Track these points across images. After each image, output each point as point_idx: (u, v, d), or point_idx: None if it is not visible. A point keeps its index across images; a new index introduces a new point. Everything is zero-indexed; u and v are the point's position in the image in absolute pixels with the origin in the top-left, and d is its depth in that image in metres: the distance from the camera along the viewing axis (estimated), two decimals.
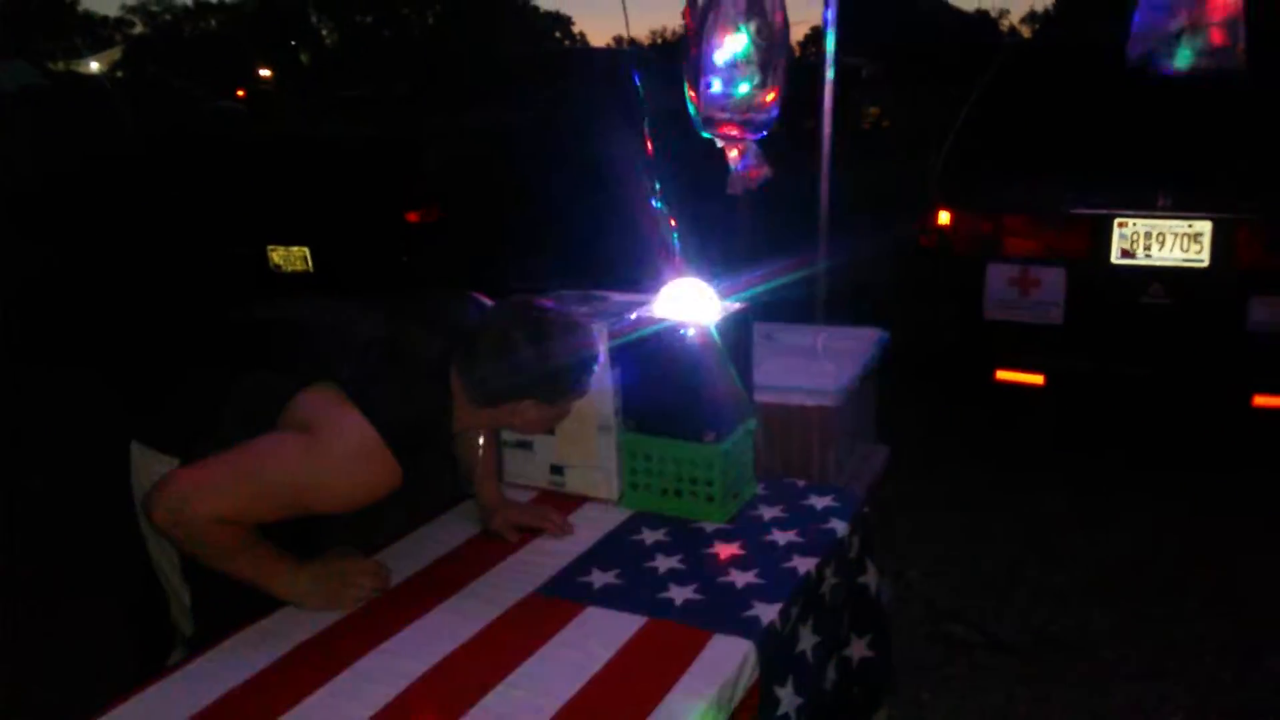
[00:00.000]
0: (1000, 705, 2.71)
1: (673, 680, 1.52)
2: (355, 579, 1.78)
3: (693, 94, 2.56)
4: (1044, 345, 4.16)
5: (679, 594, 1.78)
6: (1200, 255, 3.84)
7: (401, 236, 5.37)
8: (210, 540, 1.62)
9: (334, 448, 1.62)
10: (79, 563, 3.23)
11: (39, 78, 10.74)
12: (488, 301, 1.91)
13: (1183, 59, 2.66)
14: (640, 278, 2.51)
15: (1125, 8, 3.08)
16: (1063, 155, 4.20)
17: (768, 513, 2.11)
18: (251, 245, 5.65)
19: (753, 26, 2.43)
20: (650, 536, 2.02)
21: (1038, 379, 4.19)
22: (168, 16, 46.60)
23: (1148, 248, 3.92)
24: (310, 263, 5.58)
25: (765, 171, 2.68)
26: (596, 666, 1.57)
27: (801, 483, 2.26)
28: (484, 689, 1.51)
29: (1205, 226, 3.81)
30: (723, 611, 1.72)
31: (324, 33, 44.95)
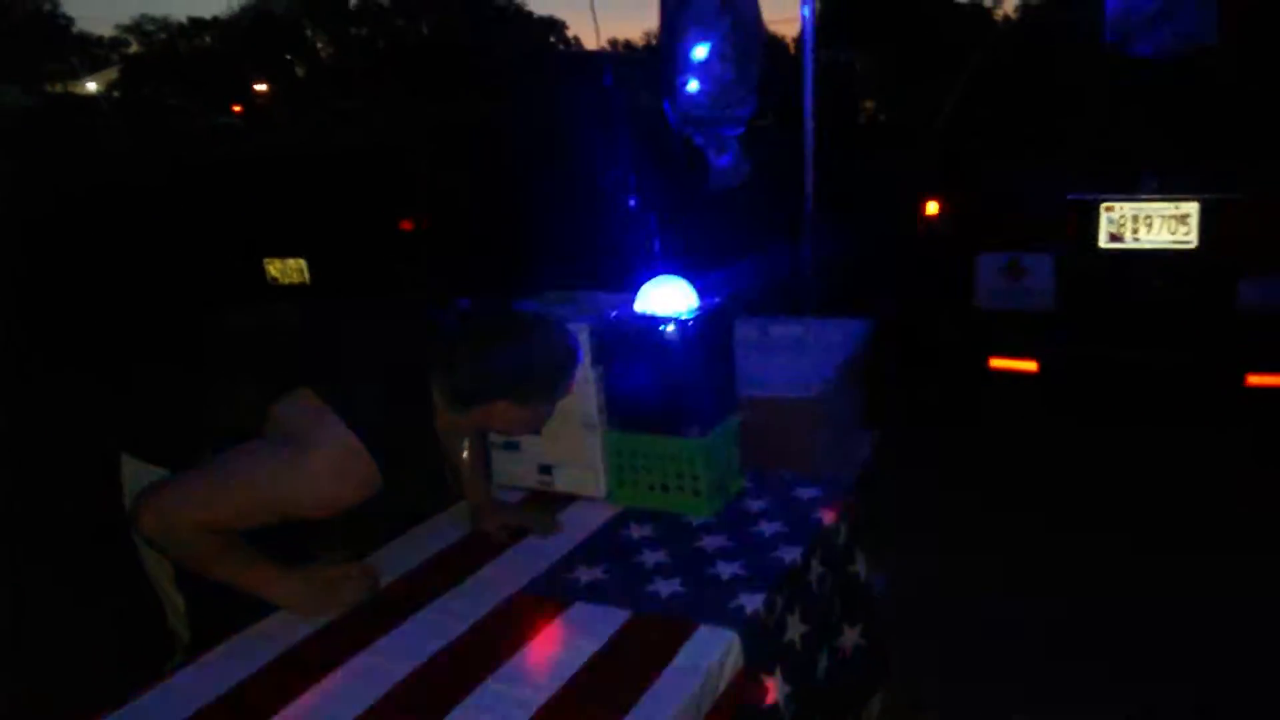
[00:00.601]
0: (1001, 694, 2.72)
1: (657, 671, 1.54)
2: (346, 583, 1.80)
3: (670, 93, 2.58)
4: (1036, 332, 4.17)
5: (665, 587, 1.80)
6: (1188, 237, 3.85)
7: (396, 246, 5.40)
8: (196, 547, 1.64)
9: (315, 454, 1.64)
10: (75, 571, 3.25)
11: (23, 98, 10.80)
12: (466, 306, 1.93)
13: (1158, 40, 2.67)
14: (623, 276, 2.53)
15: None
16: (1049, 142, 4.21)
17: (754, 505, 2.13)
18: (248, 259, 5.68)
19: (726, 24, 2.45)
20: (638, 532, 2.04)
21: (1031, 366, 4.19)
22: (163, 35, 46.75)
23: (1136, 231, 3.93)
24: (307, 274, 5.60)
25: (744, 168, 2.70)
26: (582, 660, 1.59)
27: (788, 475, 2.28)
28: (470, 686, 1.53)
29: (1193, 208, 3.82)
30: (708, 603, 1.73)
31: (319, 45, 45.10)
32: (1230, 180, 3.81)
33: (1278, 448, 4.14)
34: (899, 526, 3.53)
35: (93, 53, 45.44)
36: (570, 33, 49.60)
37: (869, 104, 16.73)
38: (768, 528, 2.02)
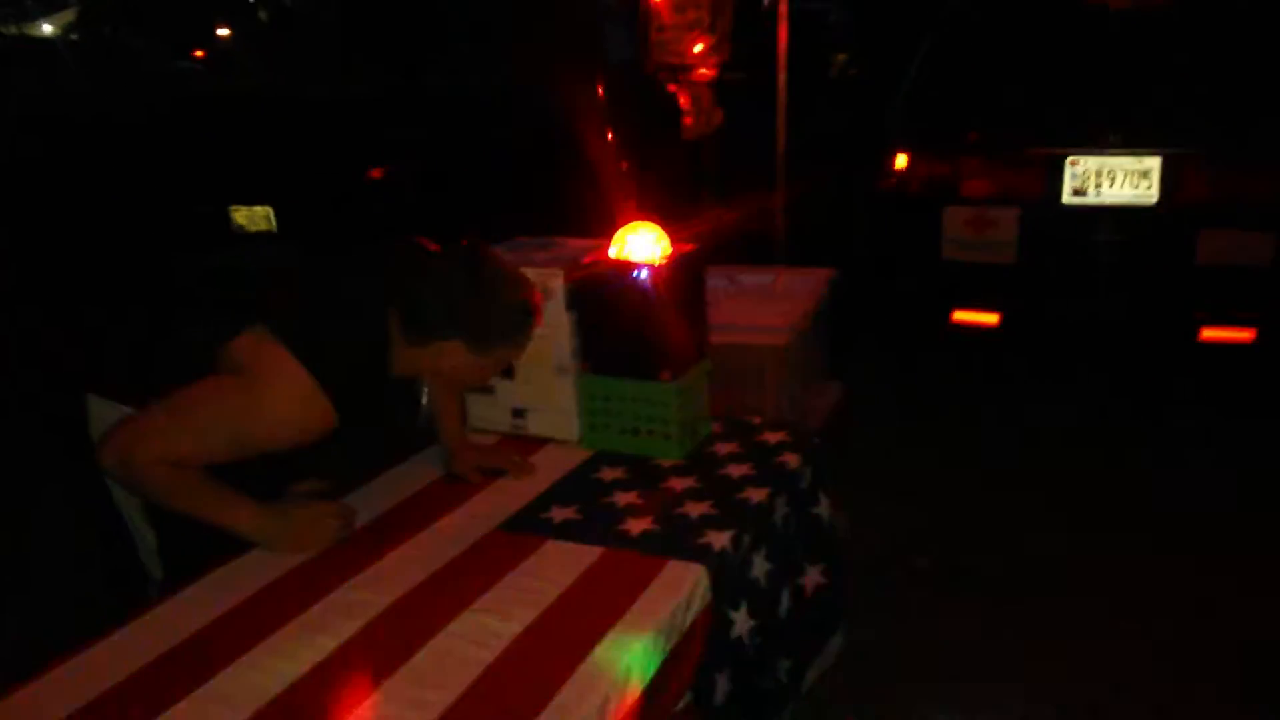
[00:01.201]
0: (958, 632, 2.82)
1: (628, 603, 1.60)
2: (322, 521, 1.84)
3: (645, 41, 2.59)
4: (999, 285, 4.25)
5: (636, 526, 1.86)
6: (1150, 192, 3.93)
7: (365, 194, 5.36)
8: (160, 484, 1.69)
9: (267, 391, 1.68)
10: (47, 510, 3.26)
11: None
12: (434, 247, 1.95)
13: None
14: (596, 223, 2.55)
15: None
16: (1016, 97, 4.26)
17: (723, 448, 2.19)
18: (213, 205, 5.61)
19: None
20: (610, 474, 2.09)
21: (993, 319, 4.28)
22: None
23: (1099, 186, 4.00)
24: (274, 222, 5.55)
25: (718, 118, 2.72)
26: (556, 593, 1.65)
27: (756, 420, 2.33)
28: (449, 617, 1.58)
29: (1154, 163, 3.89)
30: (677, 540, 1.79)
31: None
32: (1191, 136, 3.88)
33: (1228, 398, 4.27)
34: (850, 478, 3.63)
35: None
36: None
37: (841, 57, 16.61)
38: (735, 470, 2.08)
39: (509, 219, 2.44)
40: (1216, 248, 3.86)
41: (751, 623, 1.86)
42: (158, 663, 1.50)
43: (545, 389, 2.21)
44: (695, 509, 1.91)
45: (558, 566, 1.72)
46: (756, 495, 1.97)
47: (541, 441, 2.26)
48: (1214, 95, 3.91)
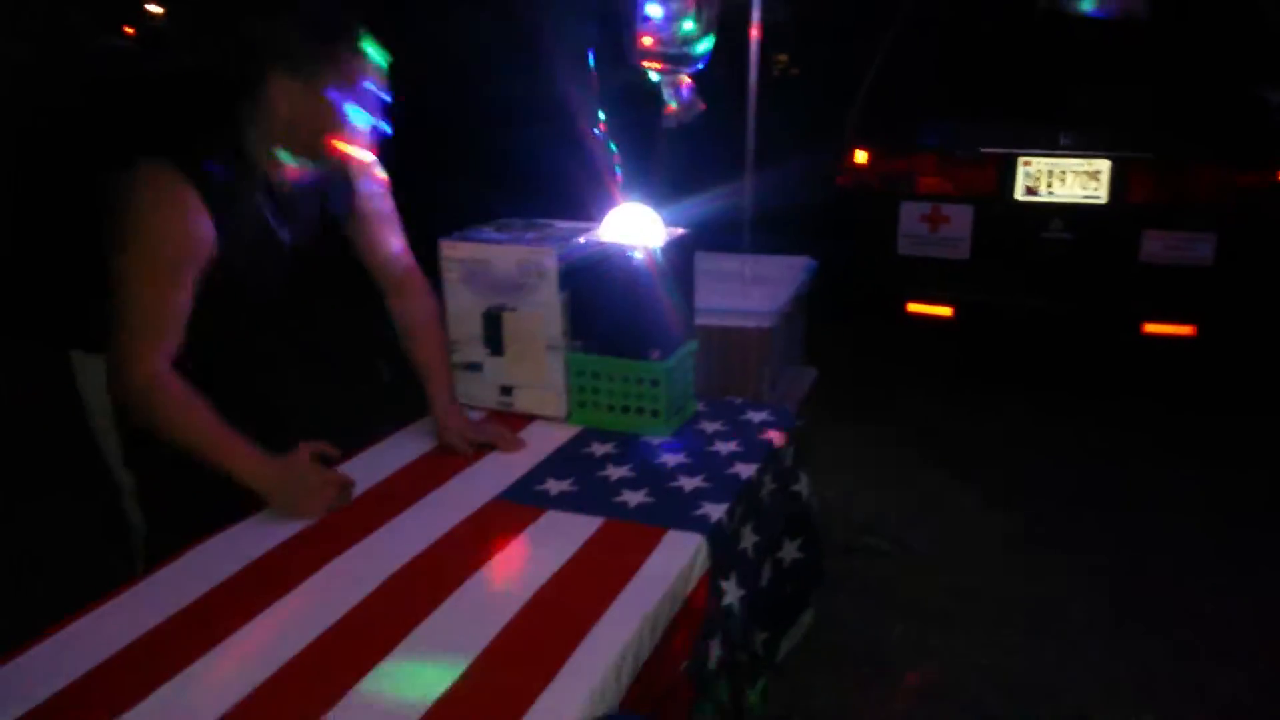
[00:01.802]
0: (909, 607, 2.93)
1: (633, 570, 1.64)
2: (323, 487, 1.84)
3: (634, 30, 2.63)
4: (952, 279, 4.38)
5: (632, 498, 1.90)
6: (1098, 192, 4.09)
7: None
8: (171, 417, 1.71)
9: (138, 196, 1.71)
10: (41, 464, 3.19)
11: None
12: None
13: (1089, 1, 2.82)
14: (586, 205, 2.59)
15: None
16: (972, 97, 4.40)
17: (709, 426, 2.24)
18: None
19: None
20: (600, 449, 2.13)
21: (946, 311, 4.42)
22: None
23: (1050, 185, 4.15)
24: None
25: (698, 106, 2.77)
26: (561, 561, 1.67)
27: (739, 400, 2.39)
28: (454, 585, 1.59)
29: (1104, 165, 4.05)
30: (674, 511, 1.84)
31: None
32: (1140, 140, 4.05)
33: (1168, 388, 4.47)
34: (823, 457, 3.73)
35: None
36: None
37: (782, 58, 16.80)
38: (723, 447, 2.13)
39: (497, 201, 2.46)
40: (1160, 247, 4.03)
41: (740, 592, 1.91)
42: (147, 637, 1.46)
43: (535, 366, 2.24)
44: (688, 483, 1.96)
45: (561, 535, 1.76)
46: (746, 470, 2.02)
47: (529, 418, 2.29)
48: (1162, 101, 4.09)
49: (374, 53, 1.81)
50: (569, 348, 2.22)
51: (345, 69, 1.78)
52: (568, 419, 2.27)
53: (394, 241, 2.13)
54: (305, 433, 1.89)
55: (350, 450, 2.10)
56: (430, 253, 2.23)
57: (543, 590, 1.60)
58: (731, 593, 1.90)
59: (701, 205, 2.88)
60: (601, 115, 2.99)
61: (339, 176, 1.99)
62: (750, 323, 2.58)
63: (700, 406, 2.34)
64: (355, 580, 1.61)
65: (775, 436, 2.20)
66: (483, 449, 2.12)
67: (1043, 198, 4.16)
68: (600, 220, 2.26)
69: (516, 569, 1.67)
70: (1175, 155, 4.02)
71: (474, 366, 2.31)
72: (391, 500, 1.90)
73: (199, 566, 1.66)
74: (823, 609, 2.51)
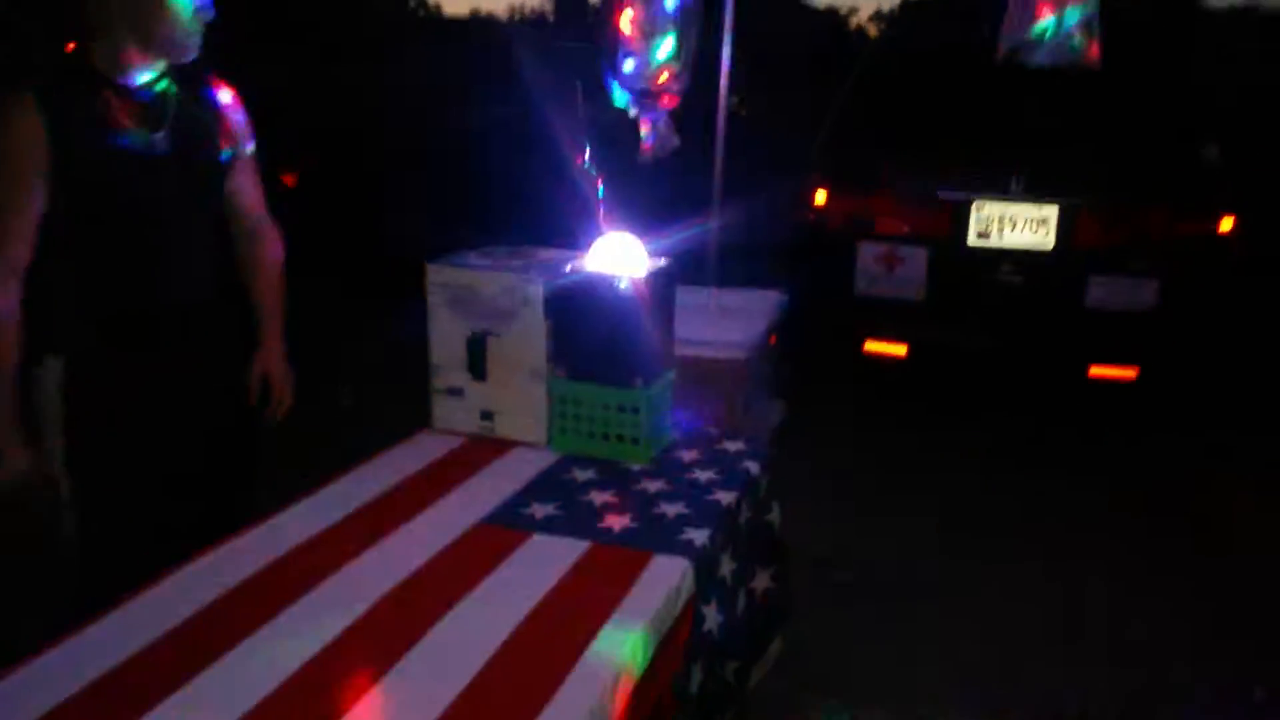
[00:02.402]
0: (871, 633, 2.99)
1: (621, 594, 1.67)
2: (13, 461, 1.92)
3: (610, 64, 2.70)
4: (907, 319, 4.50)
5: (616, 522, 1.93)
6: (1047, 238, 4.24)
7: (276, 200, 5.25)
8: None
9: None
10: None
11: None
12: None
13: (1045, 54, 2.96)
14: (566, 236, 2.63)
15: (980, 7, 3.36)
16: (929, 144, 4.54)
17: (686, 455, 2.28)
18: None
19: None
20: (581, 475, 2.15)
21: (900, 350, 4.53)
22: None
23: (1001, 230, 4.29)
24: None
25: (674, 141, 2.84)
26: (549, 585, 1.69)
27: (714, 429, 2.44)
28: (441, 611, 1.59)
29: (1052, 211, 4.21)
30: (659, 536, 1.87)
31: None
32: (1086, 188, 4.22)
33: (1111, 430, 4.63)
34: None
35: None
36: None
37: (734, 99, 17.16)
38: (702, 475, 2.17)
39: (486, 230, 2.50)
40: (1105, 292, 4.19)
41: (719, 618, 1.95)
42: (128, 664, 1.42)
43: (517, 392, 2.26)
44: (670, 509, 1.99)
45: (547, 559, 1.78)
46: (725, 498, 2.06)
47: (509, 444, 2.30)
48: (1109, 151, 4.27)
49: None
50: (551, 374, 2.24)
51: None
52: (549, 445, 2.29)
53: (255, 188, 2.31)
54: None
55: (330, 472, 2.10)
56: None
57: (533, 614, 1.61)
58: (711, 618, 1.93)
59: (670, 238, 2.94)
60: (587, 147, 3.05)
61: (208, 100, 2.17)
62: (727, 354, 2.63)
63: (676, 436, 2.38)
64: (334, 612, 1.58)
65: (752, 465, 2.25)
66: (466, 471, 2.13)
67: (994, 243, 4.31)
68: (585, 249, 2.30)
69: (505, 594, 1.68)
70: (1120, 203, 4.20)
71: (455, 391, 2.32)
72: (377, 524, 1.90)
73: (177, 591, 1.62)
74: (788, 637, 2.55)
